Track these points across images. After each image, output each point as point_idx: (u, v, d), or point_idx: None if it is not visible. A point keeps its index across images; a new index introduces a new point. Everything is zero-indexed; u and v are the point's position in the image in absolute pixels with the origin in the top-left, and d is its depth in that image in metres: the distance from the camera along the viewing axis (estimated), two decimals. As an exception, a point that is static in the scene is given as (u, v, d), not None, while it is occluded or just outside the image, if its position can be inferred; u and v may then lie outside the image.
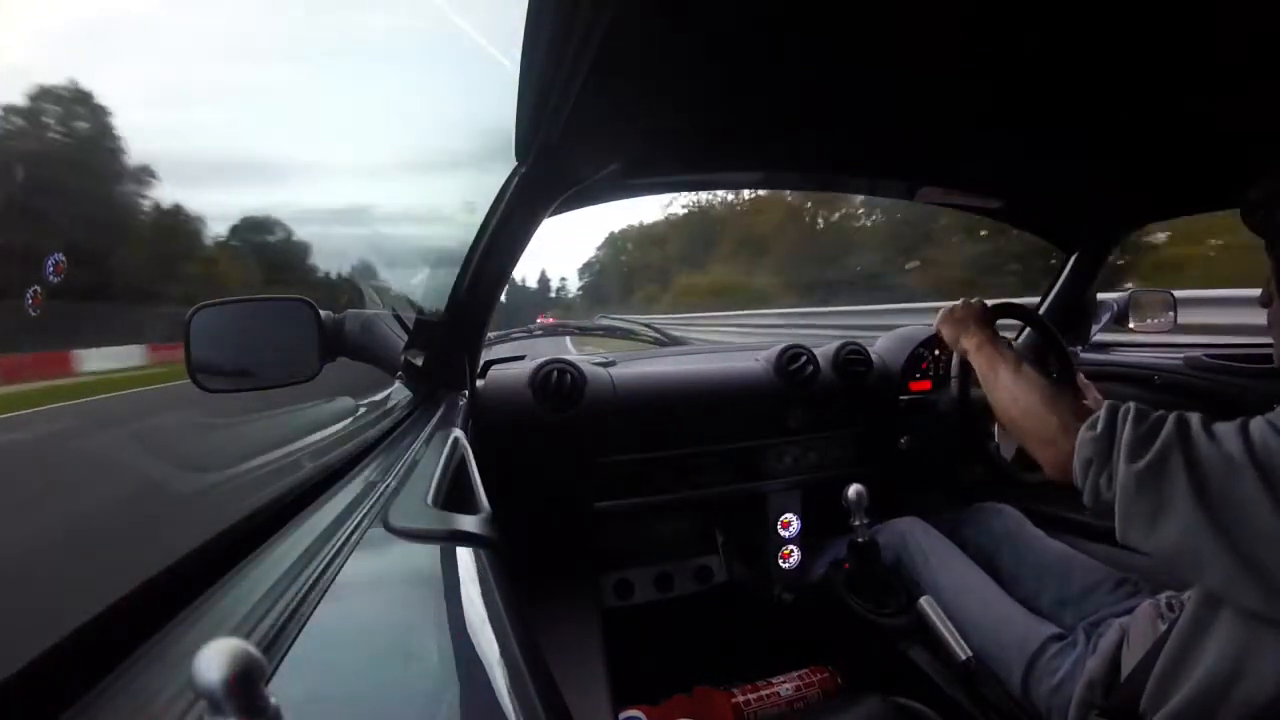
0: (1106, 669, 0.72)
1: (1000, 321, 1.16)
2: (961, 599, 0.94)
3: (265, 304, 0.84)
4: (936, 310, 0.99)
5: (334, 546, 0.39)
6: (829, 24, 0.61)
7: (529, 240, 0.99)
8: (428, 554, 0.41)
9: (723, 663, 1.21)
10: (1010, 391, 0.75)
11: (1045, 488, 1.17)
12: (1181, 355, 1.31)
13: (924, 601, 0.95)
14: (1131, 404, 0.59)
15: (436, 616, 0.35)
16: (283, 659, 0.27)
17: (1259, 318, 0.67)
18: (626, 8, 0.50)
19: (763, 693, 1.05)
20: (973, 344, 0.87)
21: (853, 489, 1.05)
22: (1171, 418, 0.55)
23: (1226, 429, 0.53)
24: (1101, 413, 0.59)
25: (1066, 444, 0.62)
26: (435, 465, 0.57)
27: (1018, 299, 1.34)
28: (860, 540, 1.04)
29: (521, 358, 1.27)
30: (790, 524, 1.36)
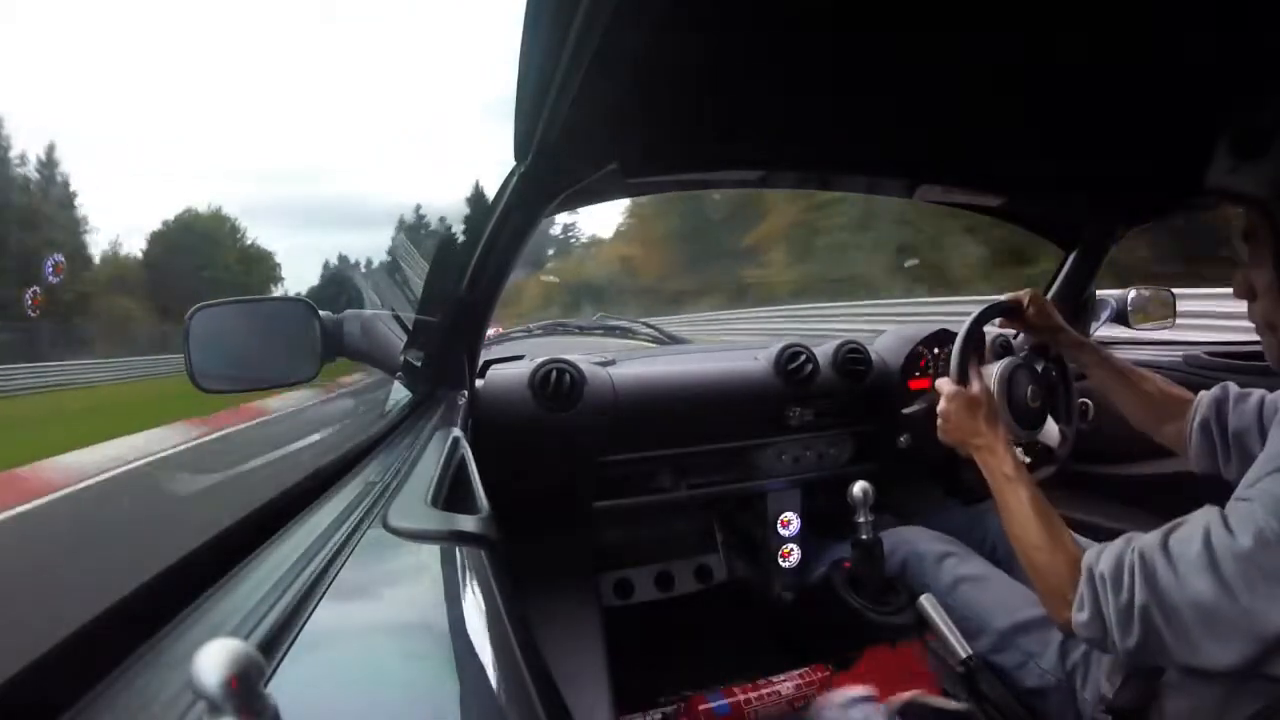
0: None
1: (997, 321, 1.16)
2: (983, 585, 0.94)
3: (264, 304, 0.84)
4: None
5: (334, 546, 0.39)
6: (828, 23, 0.61)
7: (528, 240, 0.99)
8: (427, 554, 0.41)
9: (723, 661, 1.21)
10: (1019, 528, 0.73)
11: (1046, 486, 1.17)
12: (1181, 353, 1.31)
13: (924, 600, 0.95)
14: (1103, 567, 0.58)
15: (436, 616, 0.35)
16: (282, 659, 0.27)
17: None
18: (625, 7, 0.50)
19: (763, 691, 1.05)
20: (982, 453, 0.82)
21: (858, 486, 1.04)
22: (1138, 570, 0.55)
23: (1192, 560, 0.53)
24: (1083, 589, 0.60)
25: (1065, 612, 0.63)
26: (435, 465, 0.57)
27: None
28: (865, 538, 1.04)
29: (520, 357, 1.28)
30: (790, 523, 1.36)
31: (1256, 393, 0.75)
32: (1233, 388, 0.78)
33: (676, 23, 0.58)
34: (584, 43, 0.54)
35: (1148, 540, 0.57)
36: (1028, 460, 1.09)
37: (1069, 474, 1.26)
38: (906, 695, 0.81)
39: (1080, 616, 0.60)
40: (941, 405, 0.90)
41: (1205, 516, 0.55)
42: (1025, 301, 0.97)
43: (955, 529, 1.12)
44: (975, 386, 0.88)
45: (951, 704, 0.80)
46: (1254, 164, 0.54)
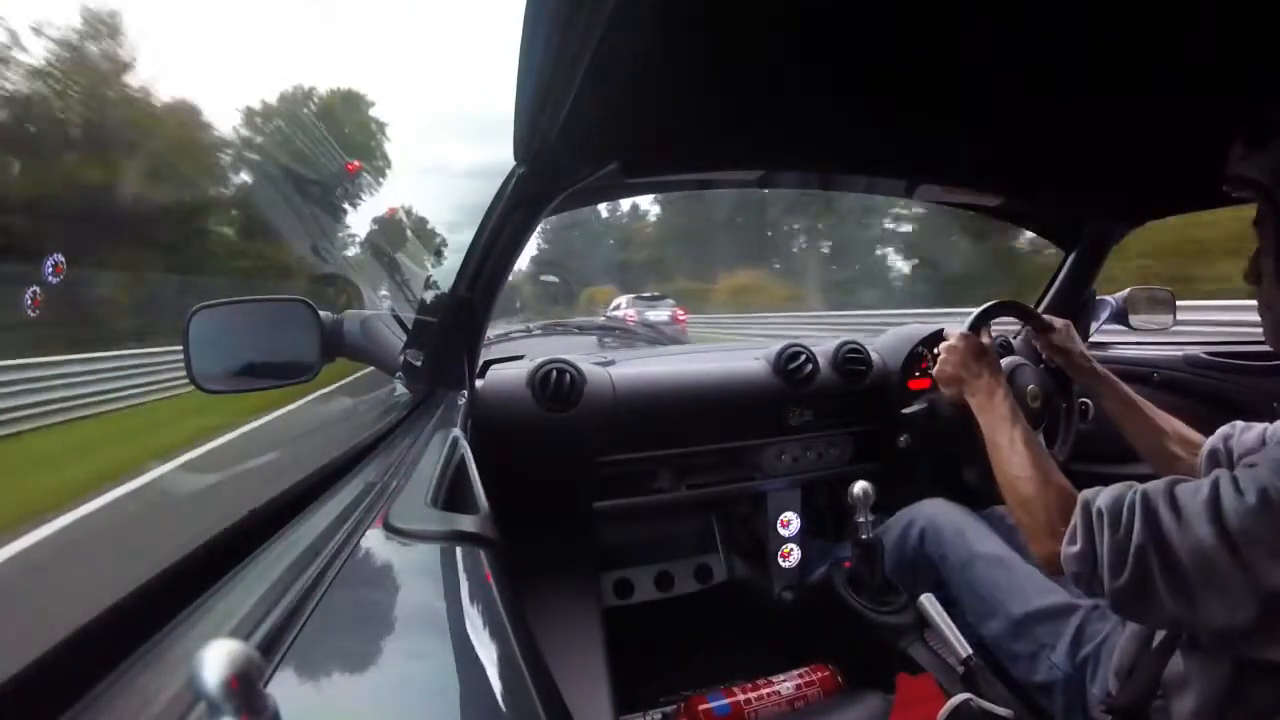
0: (1141, 635, 0.72)
1: (998, 321, 1.16)
2: (1001, 566, 0.94)
3: (265, 304, 0.84)
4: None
5: (334, 546, 0.39)
6: (828, 22, 0.61)
7: (528, 240, 0.99)
8: (428, 554, 0.41)
9: (723, 662, 1.21)
10: (1007, 463, 0.74)
11: None
12: (1181, 352, 1.31)
13: (924, 599, 0.95)
14: (1102, 502, 0.59)
15: (436, 616, 0.35)
16: (283, 659, 0.27)
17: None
18: (624, 7, 0.50)
19: (763, 691, 1.05)
20: (979, 396, 0.84)
21: (858, 486, 1.04)
22: (1139, 510, 0.56)
23: (1197, 509, 0.53)
24: (1077, 521, 0.60)
25: (1051, 545, 0.63)
26: (435, 465, 0.57)
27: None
28: (865, 538, 1.04)
29: (520, 357, 1.28)
30: (790, 522, 1.36)
31: (1261, 425, 0.77)
32: (1240, 423, 0.79)
33: (676, 23, 0.58)
34: (584, 43, 0.54)
35: (1152, 485, 0.57)
36: None
37: (1069, 474, 1.26)
38: (957, 699, 0.81)
39: (1070, 549, 0.60)
40: (947, 344, 0.92)
41: (1214, 474, 0.55)
42: (1058, 325, 1.02)
43: None
44: (984, 338, 0.91)
45: (1000, 710, 0.80)
46: (1261, 152, 0.58)
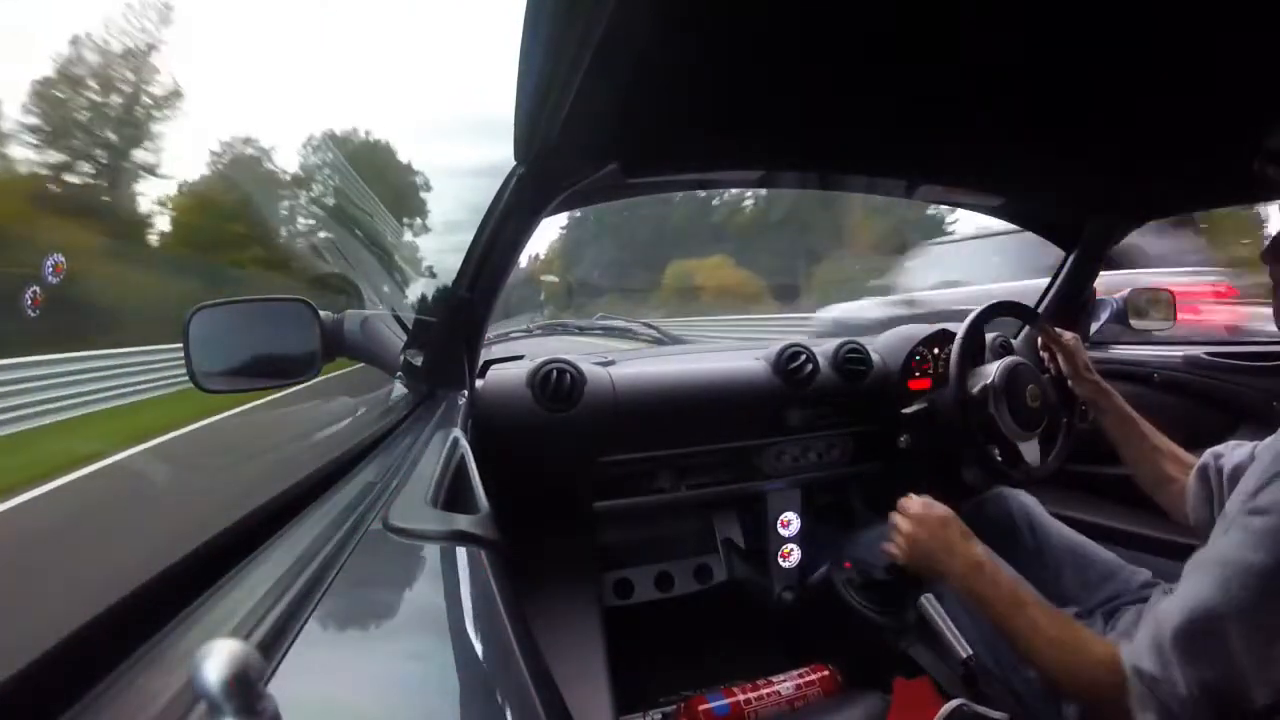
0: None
1: (998, 320, 1.16)
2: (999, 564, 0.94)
3: (265, 304, 0.84)
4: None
5: (334, 546, 0.39)
6: (828, 22, 0.61)
7: (528, 240, 0.99)
8: (428, 554, 0.41)
9: (723, 662, 1.21)
10: (1030, 633, 0.68)
11: (1048, 486, 1.17)
12: (1181, 352, 1.31)
13: (925, 600, 0.95)
14: (1149, 666, 0.57)
15: (436, 616, 0.35)
16: (283, 659, 0.27)
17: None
18: (624, 7, 0.50)
19: (763, 691, 1.05)
20: (960, 568, 0.76)
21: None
22: (1179, 652, 0.55)
23: (1221, 608, 0.54)
24: (1138, 689, 0.58)
25: (1122, 712, 0.60)
26: (435, 465, 0.57)
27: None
28: (865, 539, 1.04)
29: (520, 357, 1.28)
30: (790, 523, 1.36)
31: (1250, 444, 0.76)
32: (1232, 442, 0.80)
33: (676, 22, 0.58)
34: (584, 42, 0.55)
35: (1175, 615, 0.57)
36: (1000, 459, 1.10)
37: (1069, 474, 1.26)
38: (952, 705, 0.80)
39: (1148, 717, 0.58)
40: (911, 514, 0.85)
41: (1218, 563, 0.55)
42: (1067, 338, 1.03)
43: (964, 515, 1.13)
44: (939, 509, 0.86)
45: (994, 714, 0.79)
46: None
